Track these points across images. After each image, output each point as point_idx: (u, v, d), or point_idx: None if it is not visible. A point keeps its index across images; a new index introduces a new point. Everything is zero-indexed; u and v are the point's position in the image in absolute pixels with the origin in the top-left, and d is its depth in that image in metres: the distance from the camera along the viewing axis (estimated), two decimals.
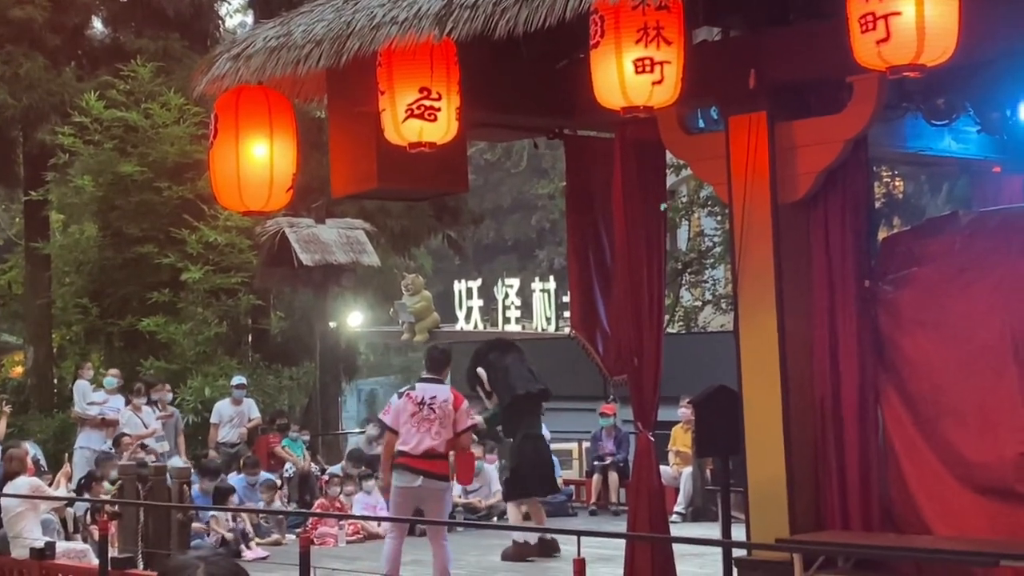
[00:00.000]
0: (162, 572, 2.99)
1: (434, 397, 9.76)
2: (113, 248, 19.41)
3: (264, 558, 12.71)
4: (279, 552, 12.89)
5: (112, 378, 16.15)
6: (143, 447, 15.02)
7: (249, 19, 24.40)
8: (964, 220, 7.20)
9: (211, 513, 13.03)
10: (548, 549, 11.73)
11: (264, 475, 14.74)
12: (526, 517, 12.25)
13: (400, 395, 9.95)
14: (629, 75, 5.93)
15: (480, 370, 12.27)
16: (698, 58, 6.32)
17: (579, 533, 10.48)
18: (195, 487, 13.29)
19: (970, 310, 6.66)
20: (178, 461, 14.75)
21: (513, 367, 12.19)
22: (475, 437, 17.14)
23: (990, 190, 8.91)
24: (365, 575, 9.78)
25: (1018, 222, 6.97)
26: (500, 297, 32.25)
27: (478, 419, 11.61)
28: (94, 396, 15.86)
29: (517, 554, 11.77)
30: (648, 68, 5.91)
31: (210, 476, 13.54)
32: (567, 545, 11.47)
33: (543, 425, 13.38)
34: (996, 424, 6.50)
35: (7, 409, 15.58)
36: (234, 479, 14.71)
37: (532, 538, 11.76)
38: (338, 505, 14.20)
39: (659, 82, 5.95)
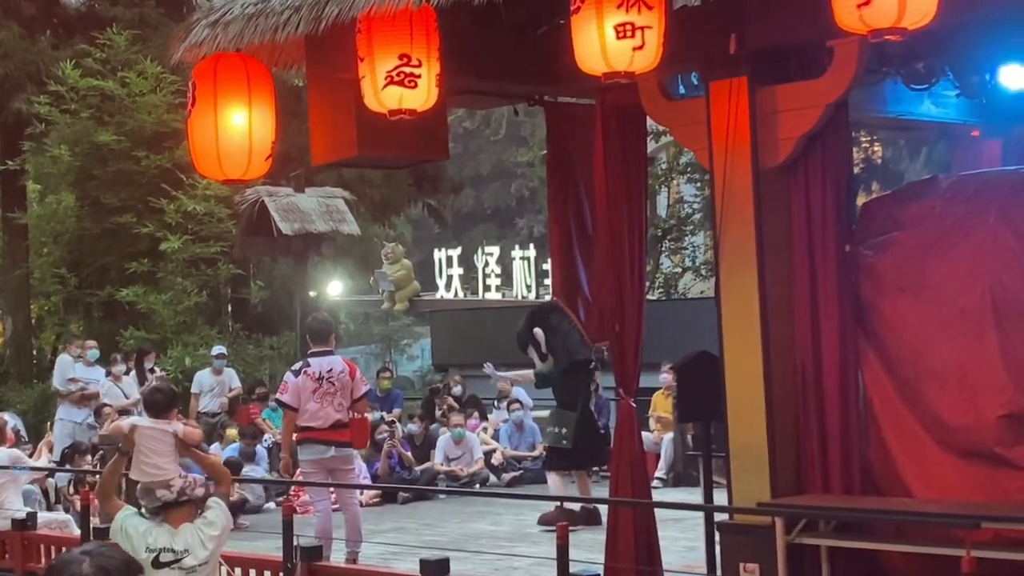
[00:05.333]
0: (49, 568, 2.91)
1: (331, 370, 9.88)
2: (91, 218, 19.31)
3: (234, 529, 12.71)
4: (262, 520, 12.91)
5: (94, 351, 16.09)
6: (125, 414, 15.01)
7: None
8: (944, 184, 7.21)
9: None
10: (592, 519, 11.41)
11: (260, 448, 14.68)
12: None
13: (295, 373, 9.94)
14: (610, 40, 5.91)
15: (538, 330, 11.85)
16: (679, 23, 6.30)
17: (561, 499, 10.52)
18: None
19: (950, 274, 6.68)
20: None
21: (572, 333, 11.91)
22: (456, 405, 17.24)
23: (969, 154, 8.93)
24: (347, 542, 9.83)
25: (997, 186, 6.98)
26: (480, 265, 32.20)
27: (369, 387, 11.26)
28: (76, 371, 15.81)
29: (554, 519, 11.37)
30: (629, 33, 5.89)
31: None
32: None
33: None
34: (976, 387, 6.53)
35: None
36: (215, 449, 14.70)
37: (575, 505, 11.50)
38: None
39: (640, 47, 5.93)
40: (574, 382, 11.95)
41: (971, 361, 6.55)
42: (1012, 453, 6.43)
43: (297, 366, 10.13)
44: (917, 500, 6.67)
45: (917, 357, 6.74)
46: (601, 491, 11.90)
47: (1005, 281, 6.54)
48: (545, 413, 13.87)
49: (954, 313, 6.63)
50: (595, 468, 13.29)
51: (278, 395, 10.28)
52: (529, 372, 12.64)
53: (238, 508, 12.88)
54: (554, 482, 11.92)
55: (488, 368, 15.08)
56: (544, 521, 11.52)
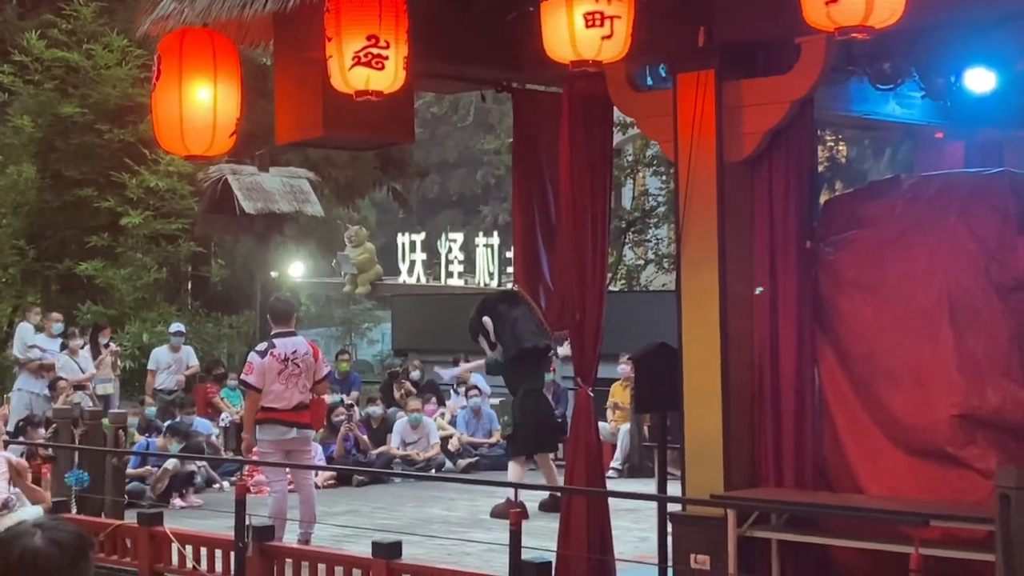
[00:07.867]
0: None
1: (295, 352, 9.85)
2: (52, 190, 19.17)
3: (187, 507, 12.66)
4: (216, 499, 12.87)
5: (59, 324, 15.96)
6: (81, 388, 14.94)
7: None
8: (905, 184, 7.26)
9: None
10: (556, 506, 11.25)
11: (198, 420, 14.63)
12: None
13: (260, 354, 9.87)
14: (579, 29, 5.91)
15: (486, 319, 11.91)
16: (648, 14, 6.30)
17: (516, 486, 10.53)
18: (154, 439, 13.30)
19: (908, 273, 6.73)
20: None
21: (521, 320, 11.83)
22: (413, 390, 17.22)
23: (932, 155, 9.00)
24: (301, 523, 9.81)
25: (958, 187, 7.03)
26: (443, 251, 32.18)
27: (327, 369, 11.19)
28: (36, 340, 15.69)
29: (505, 511, 11.24)
30: (598, 22, 5.90)
31: (180, 436, 13.44)
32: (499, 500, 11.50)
33: (544, 380, 12.99)
34: (930, 386, 6.59)
35: None
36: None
37: (534, 494, 11.26)
38: None
39: (608, 36, 5.93)
40: (521, 369, 11.96)
41: (926, 360, 6.61)
42: (963, 453, 6.49)
43: (262, 347, 10.03)
44: (868, 496, 6.72)
45: (873, 355, 6.79)
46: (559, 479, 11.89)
47: (962, 282, 6.60)
48: (502, 400, 13.88)
49: (911, 312, 6.68)
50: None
51: (243, 376, 10.16)
52: (481, 361, 12.65)
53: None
54: (513, 471, 11.91)
55: (441, 372, 14.98)
56: (495, 514, 11.46)
